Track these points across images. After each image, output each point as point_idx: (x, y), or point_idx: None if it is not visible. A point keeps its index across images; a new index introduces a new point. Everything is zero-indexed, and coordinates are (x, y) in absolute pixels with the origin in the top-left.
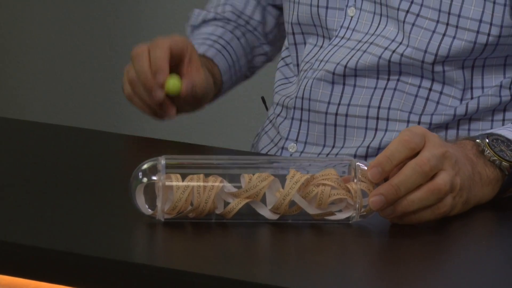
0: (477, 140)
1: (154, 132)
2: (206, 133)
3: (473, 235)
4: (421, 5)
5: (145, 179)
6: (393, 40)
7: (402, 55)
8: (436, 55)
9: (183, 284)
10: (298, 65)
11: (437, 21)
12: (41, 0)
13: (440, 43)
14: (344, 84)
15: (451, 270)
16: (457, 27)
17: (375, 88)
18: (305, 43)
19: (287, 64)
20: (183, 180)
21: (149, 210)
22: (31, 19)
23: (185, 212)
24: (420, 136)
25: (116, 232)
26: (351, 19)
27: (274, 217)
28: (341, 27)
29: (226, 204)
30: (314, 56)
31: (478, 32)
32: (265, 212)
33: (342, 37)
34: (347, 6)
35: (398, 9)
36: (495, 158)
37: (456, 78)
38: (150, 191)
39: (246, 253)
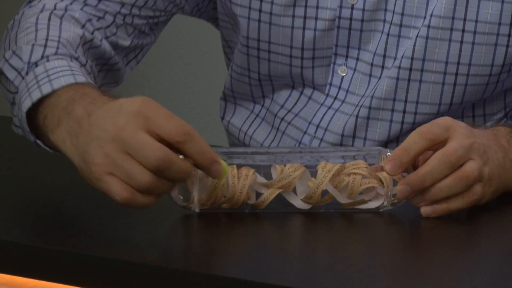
0: None
1: None
2: (205, 132)
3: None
4: (424, 60)
5: None
6: (403, 101)
7: (416, 113)
8: (450, 104)
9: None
10: (263, 97)
11: (445, 73)
12: None
13: (453, 93)
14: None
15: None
16: (468, 75)
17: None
18: (272, 85)
19: (235, 96)
20: None
21: (183, 201)
22: None
23: (219, 202)
24: (441, 127)
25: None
26: (342, 79)
27: (306, 206)
28: (330, 85)
29: (258, 195)
30: (302, 109)
31: (490, 75)
32: (297, 202)
33: (335, 98)
34: (334, 63)
35: (399, 68)
36: None
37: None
38: (181, 183)
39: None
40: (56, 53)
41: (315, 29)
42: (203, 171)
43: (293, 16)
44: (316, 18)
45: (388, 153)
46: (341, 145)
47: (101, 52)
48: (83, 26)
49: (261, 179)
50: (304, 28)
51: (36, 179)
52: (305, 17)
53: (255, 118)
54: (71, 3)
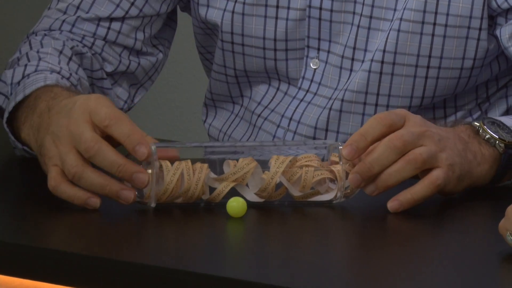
0: (473, 123)
1: (151, 133)
2: (190, 132)
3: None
4: (395, 53)
5: None
6: (375, 94)
7: (388, 105)
8: (422, 98)
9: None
10: (242, 96)
11: (416, 66)
12: (41, 0)
13: (425, 86)
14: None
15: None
16: (439, 68)
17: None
18: (249, 82)
19: (214, 99)
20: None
21: (138, 197)
22: (31, 18)
23: (175, 195)
24: (398, 115)
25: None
26: (314, 72)
27: (259, 200)
28: (303, 78)
29: (212, 190)
30: (278, 104)
31: (462, 68)
32: (251, 195)
33: (307, 91)
34: (307, 56)
35: (372, 61)
36: (489, 137)
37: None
38: None
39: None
40: (36, 70)
41: (287, 19)
42: (130, 153)
43: (266, 6)
44: (288, 8)
45: (340, 147)
46: (314, 138)
47: (86, 60)
48: (63, 43)
49: (213, 175)
50: (276, 18)
51: (35, 177)
52: (277, 6)
53: (235, 119)
54: (59, 31)
